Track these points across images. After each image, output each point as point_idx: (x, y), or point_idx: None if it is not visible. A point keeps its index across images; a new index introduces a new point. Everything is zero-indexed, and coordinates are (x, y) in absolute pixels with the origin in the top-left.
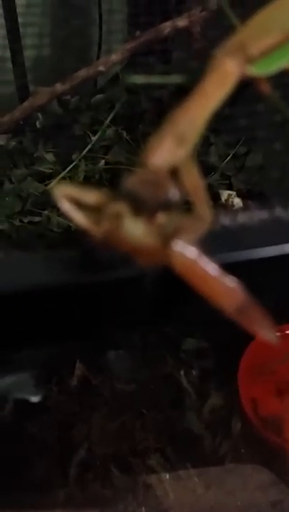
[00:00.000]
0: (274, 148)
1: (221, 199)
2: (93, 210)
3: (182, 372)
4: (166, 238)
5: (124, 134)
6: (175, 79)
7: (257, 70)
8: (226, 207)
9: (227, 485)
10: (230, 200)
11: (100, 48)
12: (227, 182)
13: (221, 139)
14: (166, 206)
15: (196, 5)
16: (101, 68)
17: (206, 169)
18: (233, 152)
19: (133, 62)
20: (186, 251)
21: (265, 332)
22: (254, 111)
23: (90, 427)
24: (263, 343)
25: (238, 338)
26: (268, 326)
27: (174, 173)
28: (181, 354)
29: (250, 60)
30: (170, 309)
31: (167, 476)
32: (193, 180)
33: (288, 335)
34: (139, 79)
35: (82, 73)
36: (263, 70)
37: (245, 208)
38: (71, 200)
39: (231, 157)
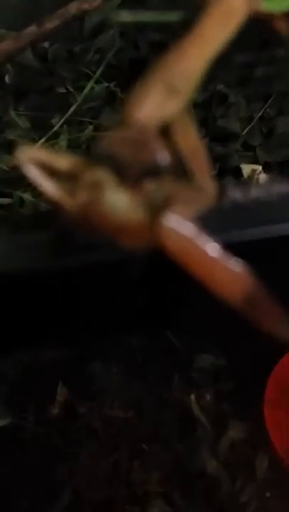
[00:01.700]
0: None
1: (242, 175)
2: (67, 179)
3: (193, 397)
4: (155, 212)
5: (118, 91)
6: (175, 16)
7: (270, 6)
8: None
9: None
10: (255, 176)
11: None
12: (251, 154)
13: (243, 97)
14: (154, 172)
15: None
16: (85, 6)
17: (224, 137)
18: (259, 115)
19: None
20: (180, 227)
21: (280, 328)
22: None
23: (75, 467)
24: None
25: (264, 354)
26: (284, 321)
27: (165, 133)
28: (193, 374)
29: None
30: (173, 310)
31: None
32: (191, 142)
33: None
34: (128, 16)
35: (61, 13)
36: (278, 5)
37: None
38: (40, 166)
39: (256, 121)
